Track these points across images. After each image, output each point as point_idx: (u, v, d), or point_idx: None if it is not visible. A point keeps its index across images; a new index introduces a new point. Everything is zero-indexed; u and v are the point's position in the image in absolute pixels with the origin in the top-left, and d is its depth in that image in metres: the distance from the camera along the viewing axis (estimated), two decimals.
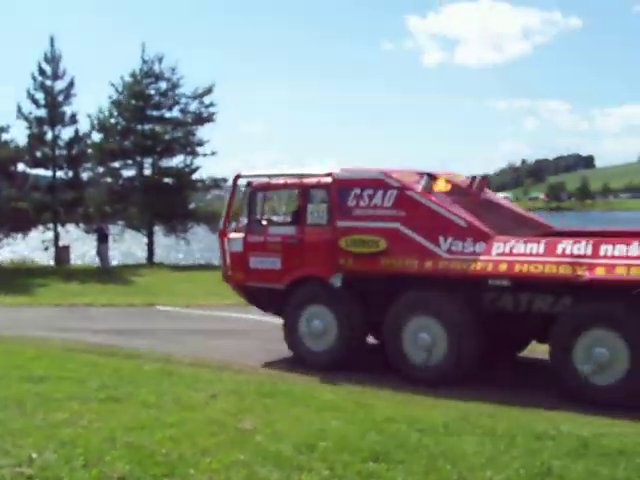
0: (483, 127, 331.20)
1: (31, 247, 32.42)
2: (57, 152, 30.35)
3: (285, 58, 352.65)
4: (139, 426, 5.93)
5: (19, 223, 28.98)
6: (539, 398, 8.44)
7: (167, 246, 36.67)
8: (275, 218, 11.37)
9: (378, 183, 9.75)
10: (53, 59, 30.21)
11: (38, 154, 30.27)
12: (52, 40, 30.23)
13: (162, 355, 10.78)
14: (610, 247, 8.22)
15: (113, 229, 29.96)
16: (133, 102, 30.93)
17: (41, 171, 31.10)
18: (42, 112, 30.28)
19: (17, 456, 5.00)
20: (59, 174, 30.71)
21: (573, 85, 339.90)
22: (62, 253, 30.32)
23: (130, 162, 31.62)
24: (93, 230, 29.27)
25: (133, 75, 31.01)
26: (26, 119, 30.07)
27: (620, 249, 8.16)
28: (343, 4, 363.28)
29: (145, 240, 32.22)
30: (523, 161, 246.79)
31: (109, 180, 31.83)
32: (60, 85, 30.36)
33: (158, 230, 31.92)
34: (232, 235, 11.08)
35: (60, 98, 30.35)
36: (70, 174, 30.92)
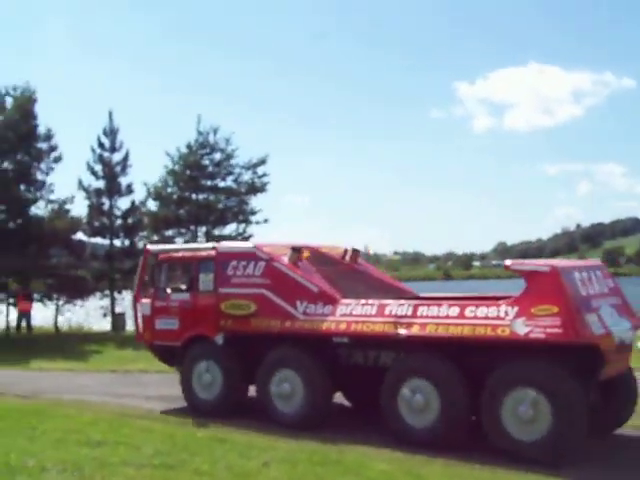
0: (535, 192, 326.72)
1: (88, 312, 33.07)
2: (114, 221, 31.41)
3: (332, 125, 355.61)
4: None
5: (78, 290, 29.81)
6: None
7: None
8: (176, 285, 12.57)
9: (250, 255, 11.19)
10: (111, 132, 31.60)
11: (96, 224, 31.33)
12: (110, 115, 31.84)
13: (215, 422, 10.85)
14: (426, 308, 9.40)
15: None
16: (188, 172, 31.73)
17: (99, 240, 32.16)
18: (100, 183, 31.53)
19: None
20: (116, 242, 31.77)
21: (627, 147, 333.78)
22: (118, 320, 30.95)
23: (184, 230, 32.26)
24: None
25: (189, 146, 31.88)
26: (85, 190, 31.28)
27: (432, 310, 9.33)
28: (389, 73, 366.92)
29: None
30: (578, 225, 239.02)
31: None
32: (117, 157, 31.74)
33: None
34: (143, 300, 12.67)
35: (117, 169, 31.56)
36: (126, 242, 31.92)
